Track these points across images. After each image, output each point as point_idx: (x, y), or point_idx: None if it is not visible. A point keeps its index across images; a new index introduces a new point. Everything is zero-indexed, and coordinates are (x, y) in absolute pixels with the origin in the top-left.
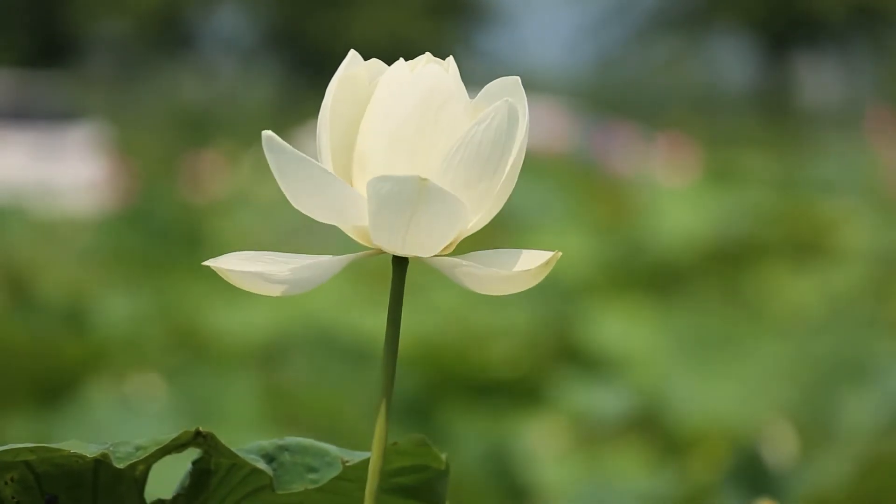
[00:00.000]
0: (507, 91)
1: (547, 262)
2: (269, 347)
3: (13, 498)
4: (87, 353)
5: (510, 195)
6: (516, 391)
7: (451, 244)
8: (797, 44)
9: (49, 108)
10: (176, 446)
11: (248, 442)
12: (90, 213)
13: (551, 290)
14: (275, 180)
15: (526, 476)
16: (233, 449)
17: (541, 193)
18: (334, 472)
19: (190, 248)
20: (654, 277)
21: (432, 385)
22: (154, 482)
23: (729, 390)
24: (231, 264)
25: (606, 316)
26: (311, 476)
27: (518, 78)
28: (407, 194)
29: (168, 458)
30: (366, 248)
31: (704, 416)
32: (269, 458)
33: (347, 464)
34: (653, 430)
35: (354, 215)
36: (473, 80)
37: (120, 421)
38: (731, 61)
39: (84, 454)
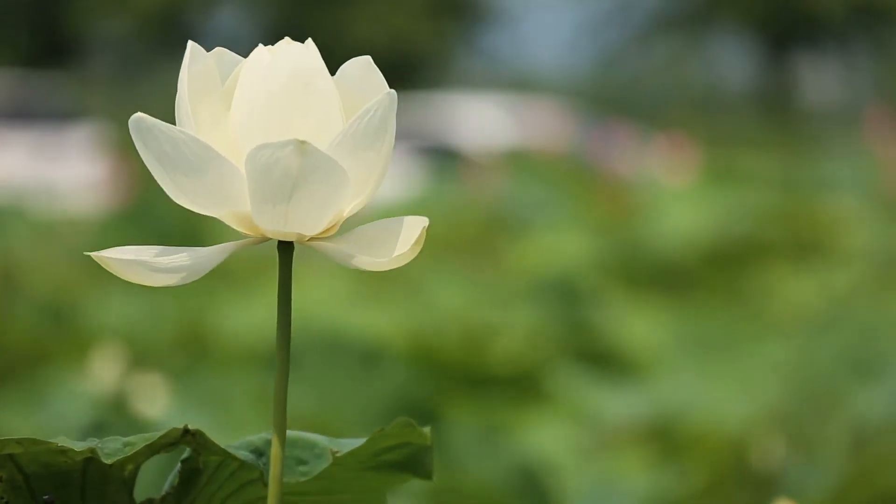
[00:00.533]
0: (363, 71)
1: (418, 240)
2: (272, 348)
3: (2, 498)
4: (87, 354)
5: (507, 195)
6: (518, 390)
7: (332, 226)
8: (797, 44)
9: (49, 108)
10: (164, 444)
11: None
12: (90, 213)
13: (552, 291)
14: None
15: (529, 475)
16: (222, 445)
17: (540, 193)
18: (324, 464)
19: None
20: (654, 277)
21: (436, 386)
22: (143, 482)
23: (730, 390)
24: (113, 254)
25: (606, 316)
26: (302, 468)
27: (370, 57)
28: (287, 159)
29: (158, 458)
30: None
31: (705, 416)
32: (259, 453)
33: (337, 454)
34: (653, 429)
35: (236, 197)
36: (473, 80)
37: (119, 421)
38: (731, 61)
39: (72, 448)
